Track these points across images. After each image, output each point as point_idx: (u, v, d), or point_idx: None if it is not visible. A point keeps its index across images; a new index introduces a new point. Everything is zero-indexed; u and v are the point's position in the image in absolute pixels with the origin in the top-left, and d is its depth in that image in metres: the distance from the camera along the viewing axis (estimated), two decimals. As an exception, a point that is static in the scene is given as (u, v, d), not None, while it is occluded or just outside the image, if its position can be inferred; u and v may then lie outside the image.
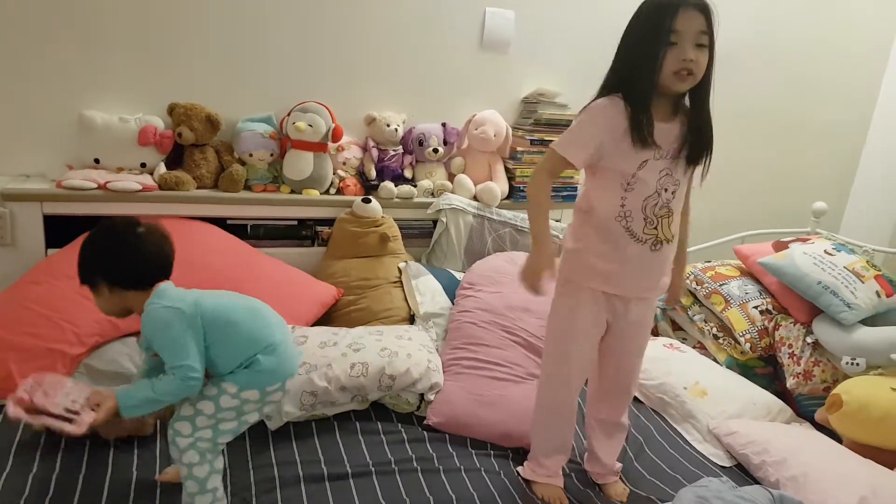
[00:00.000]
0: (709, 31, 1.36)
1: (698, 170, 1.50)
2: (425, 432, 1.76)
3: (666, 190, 1.44)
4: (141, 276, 1.35)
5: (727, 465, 1.81)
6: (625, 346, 1.60)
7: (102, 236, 1.36)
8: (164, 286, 1.36)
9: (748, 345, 2.26)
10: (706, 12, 1.35)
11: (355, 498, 1.48)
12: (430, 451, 1.68)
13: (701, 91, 1.42)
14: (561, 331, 1.57)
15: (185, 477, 1.35)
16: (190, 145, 2.22)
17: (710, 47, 1.37)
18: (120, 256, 1.33)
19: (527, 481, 1.62)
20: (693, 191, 1.55)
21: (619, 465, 1.72)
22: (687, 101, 1.46)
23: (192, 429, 1.33)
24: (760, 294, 2.39)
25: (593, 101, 1.44)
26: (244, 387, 1.35)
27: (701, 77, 1.38)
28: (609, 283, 1.49)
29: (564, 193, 2.58)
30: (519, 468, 1.65)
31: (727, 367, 2.26)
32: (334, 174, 2.41)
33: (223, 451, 1.41)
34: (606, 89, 1.44)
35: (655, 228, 1.45)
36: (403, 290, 2.25)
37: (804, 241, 2.46)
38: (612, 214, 1.44)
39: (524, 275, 1.48)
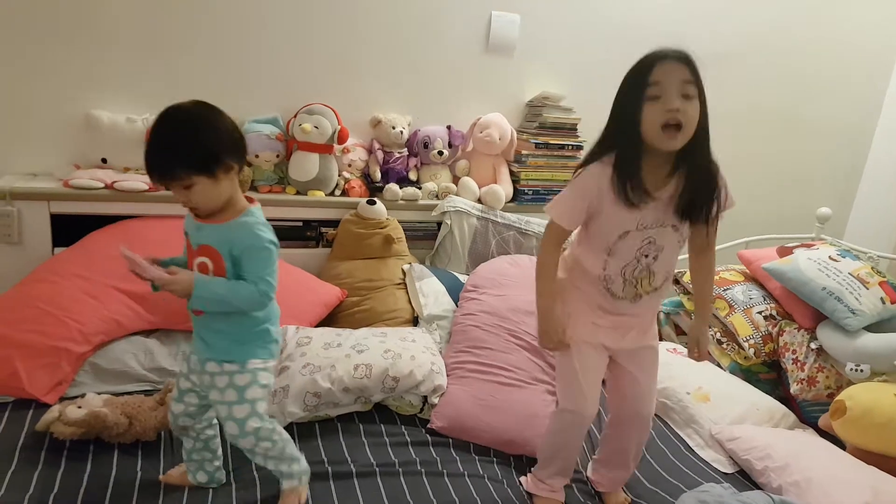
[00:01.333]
0: (695, 81, 1.31)
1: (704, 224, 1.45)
2: (428, 435, 1.76)
3: (646, 256, 1.44)
4: (243, 152, 1.31)
5: (729, 470, 1.81)
6: (631, 383, 1.58)
7: (208, 114, 1.28)
8: (258, 206, 1.36)
9: (752, 350, 2.25)
10: (688, 62, 1.31)
11: (360, 497, 1.48)
12: (434, 455, 1.68)
13: (696, 145, 1.35)
14: (565, 368, 1.55)
15: (267, 459, 1.38)
16: (196, 146, 2.23)
17: (701, 98, 1.32)
18: (233, 130, 1.29)
19: (529, 493, 1.62)
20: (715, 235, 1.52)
21: (623, 483, 1.70)
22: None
23: (260, 420, 1.35)
24: (765, 299, 2.39)
25: (583, 164, 1.43)
26: (267, 358, 1.38)
27: (693, 130, 1.32)
28: (595, 335, 1.51)
29: (550, 198, 2.58)
30: (522, 478, 1.65)
31: (730, 372, 2.26)
32: (339, 176, 2.41)
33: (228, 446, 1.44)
34: (597, 153, 1.41)
35: (635, 287, 1.47)
36: (407, 292, 2.26)
37: (809, 246, 2.46)
38: (594, 274, 1.47)
39: (543, 342, 1.51)
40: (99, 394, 1.65)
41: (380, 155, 2.46)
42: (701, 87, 1.33)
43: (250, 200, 1.36)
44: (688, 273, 2.53)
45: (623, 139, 1.35)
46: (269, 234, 1.32)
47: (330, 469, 1.56)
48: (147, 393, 1.75)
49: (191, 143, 1.24)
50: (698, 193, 1.39)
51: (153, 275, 1.26)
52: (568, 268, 1.55)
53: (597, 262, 1.46)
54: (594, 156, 1.41)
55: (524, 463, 1.70)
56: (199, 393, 1.40)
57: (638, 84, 1.31)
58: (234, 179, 1.31)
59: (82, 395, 1.62)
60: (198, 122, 1.26)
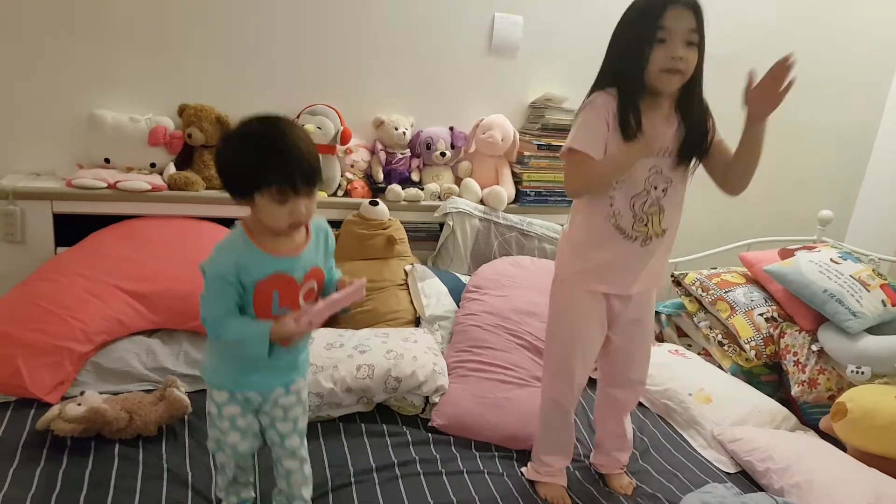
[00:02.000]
0: (699, 30, 1.36)
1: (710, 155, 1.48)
2: (430, 434, 1.76)
3: (656, 188, 1.44)
4: None
5: (731, 471, 1.81)
6: (630, 347, 1.61)
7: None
8: None
9: (753, 352, 2.26)
10: (696, 10, 1.35)
11: (355, 500, 1.48)
12: (434, 454, 1.68)
13: (691, 89, 1.42)
14: (560, 331, 1.58)
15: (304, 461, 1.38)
16: (199, 146, 2.23)
17: (701, 46, 1.37)
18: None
19: (530, 482, 1.62)
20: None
21: (625, 461, 1.72)
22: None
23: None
24: (766, 301, 2.39)
25: (588, 97, 1.45)
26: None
27: (690, 75, 1.38)
28: (601, 282, 1.50)
29: (552, 199, 2.60)
30: (523, 469, 1.66)
31: (732, 374, 2.26)
32: (342, 176, 2.42)
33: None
34: (599, 85, 1.44)
35: (646, 225, 1.45)
36: (409, 293, 2.26)
37: (810, 248, 2.46)
38: (600, 213, 1.45)
39: (644, 152, 1.39)
40: (99, 393, 1.66)
41: (382, 156, 2.46)
42: (703, 36, 1.37)
43: None
44: (690, 274, 2.54)
45: (626, 75, 1.39)
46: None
47: (329, 472, 1.56)
48: (148, 392, 1.75)
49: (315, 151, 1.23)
50: (693, 130, 1.44)
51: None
52: (570, 237, 1.55)
53: (602, 197, 1.45)
54: (596, 88, 1.45)
55: (526, 456, 1.71)
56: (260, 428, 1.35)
57: (648, 26, 1.34)
58: None
59: (81, 394, 1.62)
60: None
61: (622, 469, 1.71)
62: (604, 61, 1.45)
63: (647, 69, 1.36)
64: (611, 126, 1.40)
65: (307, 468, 1.38)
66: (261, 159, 1.17)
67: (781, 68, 1.33)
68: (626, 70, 1.38)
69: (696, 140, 1.45)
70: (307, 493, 1.39)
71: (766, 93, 1.36)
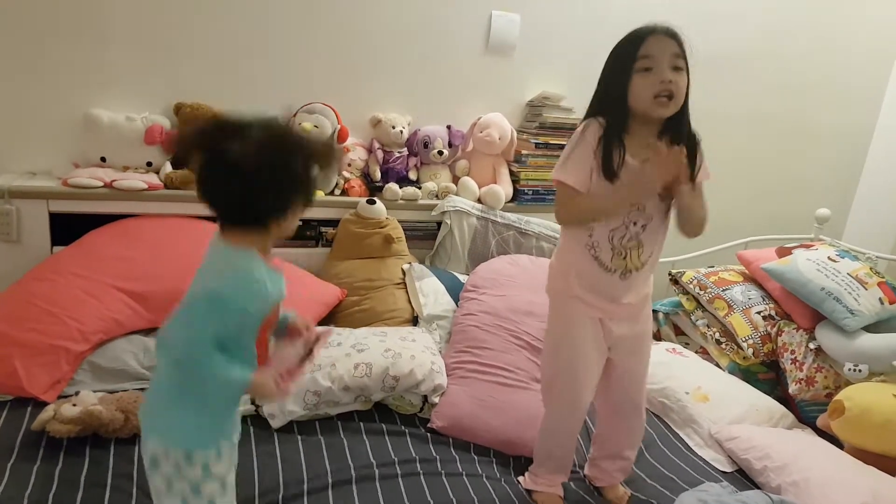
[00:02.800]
0: (683, 55, 1.37)
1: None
2: (428, 434, 1.76)
3: (635, 223, 1.44)
4: None
5: (728, 470, 1.81)
6: (627, 367, 1.59)
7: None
8: None
9: (751, 350, 2.26)
10: (677, 38, 1.37)
11: (355, 499, 1.48)
12: (434, 454, 1.68)
13: (679, 121, 1.40)
14: (559, 357, 1.56)
15: None
16: (196, 145, 2.23)
17: (687, 72, 1.38)
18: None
19: (527, 491, 1.62)
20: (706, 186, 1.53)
21: (621, 478, 1.70)
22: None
23: None
24: (763, 299, 2.39)
25: (582, 121, 1.45)
26: None
27: (682, 101, 1.38)
28: (587, 306, 1.50)
29: (550, 198, 2.58)
30: (520, 478, 1.66)
31: (729, 372, 2.26)
32: (339, 175, 2.41)
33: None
34: (590, 112, 1.44)
35: (624, 259, 1.46)
36: (407, 292, 2.26)
37: (808, 247, 2.46)
38: (580, 242, 1.46)
39: (647, 193, 1.38)
40: (94, 392, 1.65)
41: (380, 154, 2.46)
42: (687, 61, 1.38)
43: None
44: (687, 272, 2.54)
45: (611, 109, 1.40)
46: None
47: (329, 467, 1.56)
48: (144, 391, 1.74)
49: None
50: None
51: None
52: (559, 255, 1.55)
53: (582, 228, 1.46)
54: (588, 115, 1.45)
55: (523, 463, 1.70)
56: None
57: (629, 57, 1.36)
58: None
59: (76, 394, 1.61)
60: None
61: (617, 480, 1.70)
62: (591, 101, 1.46)
63: (631, 100, 1.36)
64: (596, 157, 1.40)
65: None
66: (309, 170, 1.06)
67: (669, 154, 1.35)
68: (611, 102, 1.40)
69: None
70: None
71: (661, 171, 1.36)
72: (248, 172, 1.02)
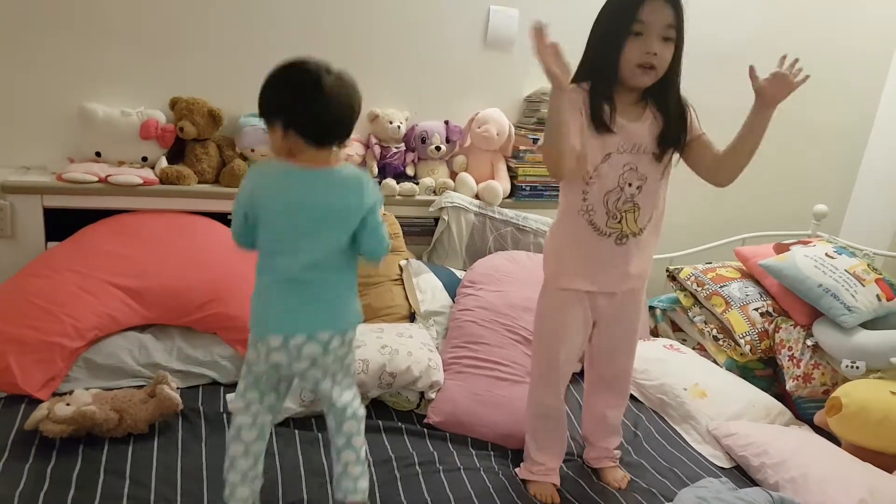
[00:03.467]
0: (677, 26, 1.36)
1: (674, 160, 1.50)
2: (425, 430, 1.76)
3: (630, 185, 1.43)
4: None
5: (726, 466, 1.81)
6: (613, 347, 1.61)
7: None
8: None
9: (748, 347, 2.26)
10: (676, 6, 1.35)
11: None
12: (430, 450, 1.68)
13: (667, 85, 1.42)
14: (547, 333, 1.58)
15: (362, 444, 1.35)
16: (192, 140, 2.21)
17: (679, 42, 1.37)
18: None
19: (523, 481, 1.62)
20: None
21: (617, 453, 1.72)
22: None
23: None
24: (761, 296, 2.39)
25: None
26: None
27: (664, 72, 1.38)
28: (581, 278, 1.49)
29: (548, 194, 2.59)
30: (516, 469, 1.66)
31: (727, 369, 2.26)
32: (336, 170, 2.40)
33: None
34: (575, 80, 1.44)
35: (619, 222, 1.45)
36: (404, 288, 2.25)
37: (805, 243, 2.46)
38: (575, 208, 1.45)
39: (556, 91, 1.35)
40: (87, 389, 1.64)
41: (377, 150, 2.45)
42: (681, 31, 1.37)
43: None
44: (685, 269, 2.54)
45: (600, 67, 1.40)
46: (241, 184, 1.42)
47: (327, 465, 1.56)
48: (140, 388, 1.73)
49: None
50: (670, 125, 1.44)
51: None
52: (552, 236, 1.56)
53: (576, 192, 1.45)
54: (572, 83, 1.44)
55: (520, 457, 1.70)
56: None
57: (625, 17, 1.35)
58: (289, 141, 1.31)
59: (70, 393, 1.60)
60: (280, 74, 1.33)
61: (615, 462, 1.71)
62: (582, 56, 1.46)
63: (621, 62, 1.36)
64: (583, 118, 1.40)
65: None
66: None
67: (793, 64, 1.38)
68: (600, 62, 1.39)
69: (671, 136, 1.45)
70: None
71: (780, 81, 1.39)
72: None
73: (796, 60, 1.37)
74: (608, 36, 1.38)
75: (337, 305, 1.32)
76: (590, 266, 1.48)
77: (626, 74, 1.37)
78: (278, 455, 1.58)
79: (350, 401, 1.35)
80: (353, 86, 1.30)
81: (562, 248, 1.51)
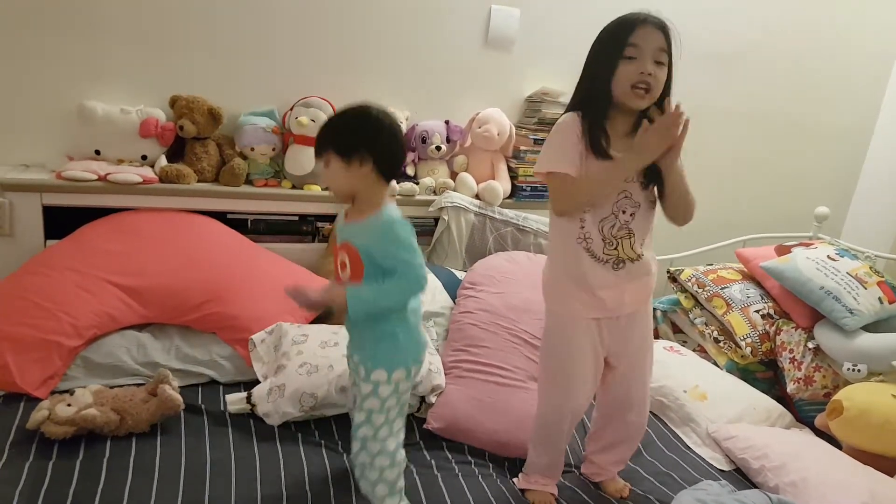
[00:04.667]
0: (668, 50, 1.38)
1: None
2: (425, 435, 1.75)
3: (623, 212, 1.44)
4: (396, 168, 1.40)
5: (726, 469, 1.81)
6: (625, 372, 1.58)
7: (384, 118, 1.38)
8: (393, 203, 1.40)
9: (749, 349, 2.25)
10: (665, 30, 1.38)
11: (353, 500, 1.47)
12: (428, 457, 1.67)
13: (659, 109, 1.41)
14: (554, 362, 1.56)
15: (376, 481, 1.38)
16: (191, 138, 2.21)
17: (669, 68, 1.40)
18: (391, 136, 1.37)
19: (521, 490, 1.62)
20: (693, 189, 1.52)
21: (616, 470, 1.71)
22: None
23: (374, 431, 1.37)
24: (762, 298, 2.38)
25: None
26: (392, 368, 1.37)
27: (658, 95, 1.39)
28: (584, 306, 1.49)
29: (548, 194, 2.58)
30: (514, 479, 1.65)
31: (727, 371, 2.26)
32: (336, 170, 2.39)
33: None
34: (569, 108, 1.47)
35: (615, 249, 1.46)
36: (404, 288, 2.24)
37: (807, 245, 2.46)
38: (572, 235, 1.46)
39: (661, 144, 1.37)
40: (86, 387, 1.63)
41: (377, 149, 2.44)
42: (671, 56, 1.40)
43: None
44: (685, 270, 2.53)
45: (594, 92, 1.42)
46: (407, 227, 1.34)
47: (328, 466, 1.55)
48: (141, 386, 1.73)
49: (345, 127, 1.37)
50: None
51: (313, 299, 1.40)
52: (550, 263, 1.55)
53: (573, 221, 1.45)
54: (567, 111, 1.47)
55: (518, 466, 1.69)
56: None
57: (617, 42, 1.38)
58: (373, 178, 1.34)
59: (71, 392, 1.59)
60: (363, 115, 1.38)
61: (614, 475, 1.70)
62: (576, 85, 1.48)
63: (614, 86, 1.38)
64: (579, 150, 1.41)
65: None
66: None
67: (675, 116, 1.36)
68: (594, 88, 1.41)
69: (656, 167, 1.44)
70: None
71: (661, 136, 1.37)
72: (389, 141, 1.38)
73: (678, 107, 1.37)
74: (601, 60, 1.41)
75: None
76: (590, 292, 1.48)
77: (621, 97, 1.39)
78: (282, 459, 1.57)
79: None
80: None
81: (561, 280, 1.51)
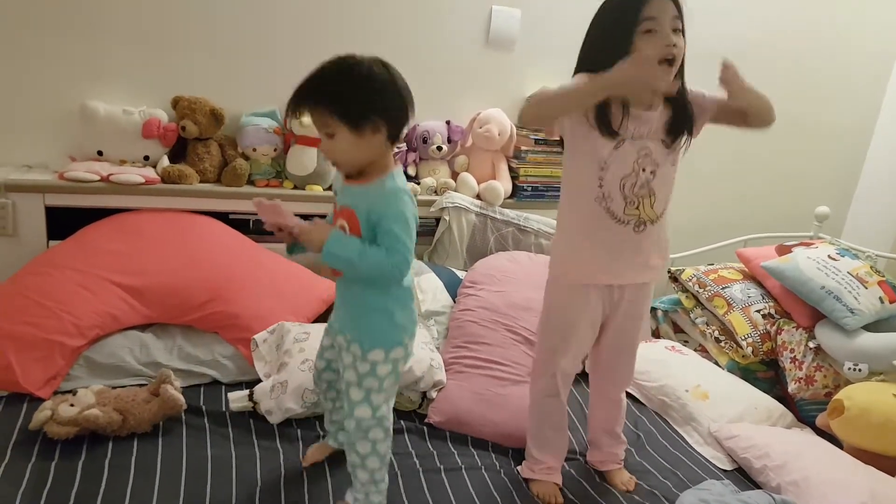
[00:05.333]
0: (681, 17, 1.36)
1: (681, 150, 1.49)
2: (427, 430, 1.75)
3: (644, 170, 1.42)
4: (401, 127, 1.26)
5: (728, 468, 1.81)
6: (617, 341, 1.60)
7: (385, 73, 1.26)
8: (400, 169, 1.31)
9: (750, 349, 2.25)
10: (675, 1, 1.35)
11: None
12: (431, 450, 1.68)
13: (678, 74, 1.42)
14: (550, 328, 1.57)
15: (367, 454, 1.32)
16: (193, 139, 2.21)
17: (683, 32, 1.38)
18: (400, 100, 1.25)
19: (525, 480, 1.62)
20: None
21: (621, 455, 1.72)
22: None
23: (373, 411, 1.32)
24: (763, 298, 2.39)
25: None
26: (389, 347, 1.31)
27: (680, 63, 1.38)
28: (597, 271, 1.48)
29: (549, 194, 2.59)
30: (518, 467, 1.66)
31: (728, 371, 2.26)
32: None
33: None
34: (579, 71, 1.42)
35: (637, 208, 1.43)
36: (405, 288, 2.25)
37: (808, 245, 2.46)
38: (590, 196, 1.43)
39: (640, 83, 1.33)
40: (88, 387, 1.64)
41: (378, 150, 2.44)
42: (684, 22, 1.38)
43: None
44: (686, 270, 2.53)
45: (609, 65, 1.32)
46: (411, 205, 1.25)
47: (328, 466, 1.56)
48: (143, 387, 1.73)
49: (350, 90, 1.22)
50: (678, 111, 1.44)
51: (293, 222, 1.25)
52: (561, 229, 1.54)
53: (591, 179, 1.43)
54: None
55: (522, 455, 1.70)
56: (336, 352, 1.39)
57: (631, 16, 1.33)
58: (385, 144, 1.25)
59: (73, 393, 1.60)
60: (366, 74, 1.23)
61: (620, 464, 1.70)
62: (581, 52, 1.44)
63: (633, 61, 1.32)
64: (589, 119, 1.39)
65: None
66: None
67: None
68: (609, 60, 1.32)
69: (681, 121, 1.45)
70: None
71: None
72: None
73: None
74: (616, 33, 1.35)
75: None
76: (609, 257, 1.46)
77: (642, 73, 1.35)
78: (282, 454, 1.58)
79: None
80: None
81: (576, 241, 1.48)
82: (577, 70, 1.44)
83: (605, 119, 1.39)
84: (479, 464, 1.65)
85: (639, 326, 1.61)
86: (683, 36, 1.38)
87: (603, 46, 1.38)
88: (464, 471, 1.61)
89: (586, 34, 1.44)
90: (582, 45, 1.44)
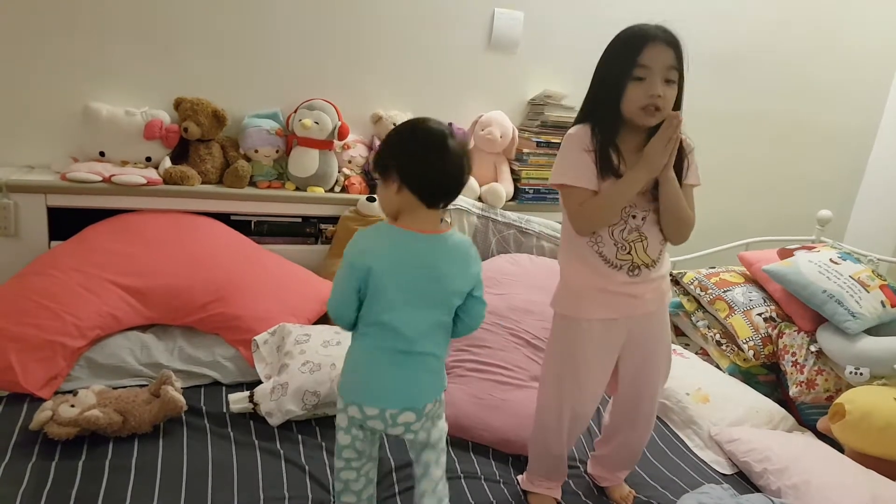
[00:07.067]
0: (678, 67, 1.35)
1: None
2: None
3: (633, 217, 1.43)
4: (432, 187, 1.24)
5: (728, 472, 1.80)
6: (639, 374, 1.56)
7: (410, 129, 1.27)
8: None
9: (751, 352, 2.25)
10: (675, 47, 1.35)
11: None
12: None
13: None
14: (558, 367, 1.53)
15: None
16: (196, 140, 2.22)
17: (680, 83, 1.37)
18: (423, 154, 1.23)
19: (524, 492, 1.61)
20: (699, 193, 1.51)
21: (623, 476, 1.70)
22: None
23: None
24: (765, 301, 2.38)
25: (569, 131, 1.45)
26: (344, 404, 1.29)
27: (668, 111, 1.36)
28: (600, 307, 1.46)
29: (551, 197, 2.59)
30: (519, 476, 1.65)
31: (730, 374, 2.26)
32: (339, 172, 2.40)
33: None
34: (578, 120, 1.44)
35: (629, 253, 1.43)
36: (406, 290, 2.24)
37: (810, 248, 2.45)
38: (584, 239, 1.44)
39: (658, 163, 1.36)
40: (89, 388, 1.64)
41: (380, 151, 2.44)
42: (682, 72, 1.37)
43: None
44: (688, 273, 2.53)
45: (603, 111, 1.39)
46: (349, 248, 1.26)
47: (329, 470, 1.56)
48: (144, 388, 1.73)
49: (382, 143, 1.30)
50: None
51: None
52: (564, 267, 1.52)
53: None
54: (576, 123, 1.45)
55: (522, 462, 1.69)
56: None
57: (626, 62, 1.35)
58: (412, 199, 1.23)
59: (74, 393, 1.60)
60: (399, 128, 1.28)
61: (620, 479, 1.69)
62: (585, 99, 1.46)
63: (624, 106, 1.36)
64: (594, 162, 1.39)
65: None
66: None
67: (672, 116, 1.35)
68: (603, 106, 1.39)
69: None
70: None
71: (665, 141, 1.36)
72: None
73: (676, 116, 1.35)
74: (609, 80, 1.38)
75: (439, 376, 1.34)
76: (606, 296, 1.45)
77: (631, 116, 1.37)
78: (283, 459, 1.58)
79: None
80: (469, 152, 1.28)
81: (576, 278, 1.48)
82: (579, 115, 1.46)
83: (608, 162, 1.39)
84: (479, 472, 1.64)
85: (656, 352, 1.55)
86: (681, 83, 1.37)
87: (599, 93, 1.41)
88: (462, 480, 1.60)
89: (591, 79, 1.44)
90: (587, 91, 1.45)
